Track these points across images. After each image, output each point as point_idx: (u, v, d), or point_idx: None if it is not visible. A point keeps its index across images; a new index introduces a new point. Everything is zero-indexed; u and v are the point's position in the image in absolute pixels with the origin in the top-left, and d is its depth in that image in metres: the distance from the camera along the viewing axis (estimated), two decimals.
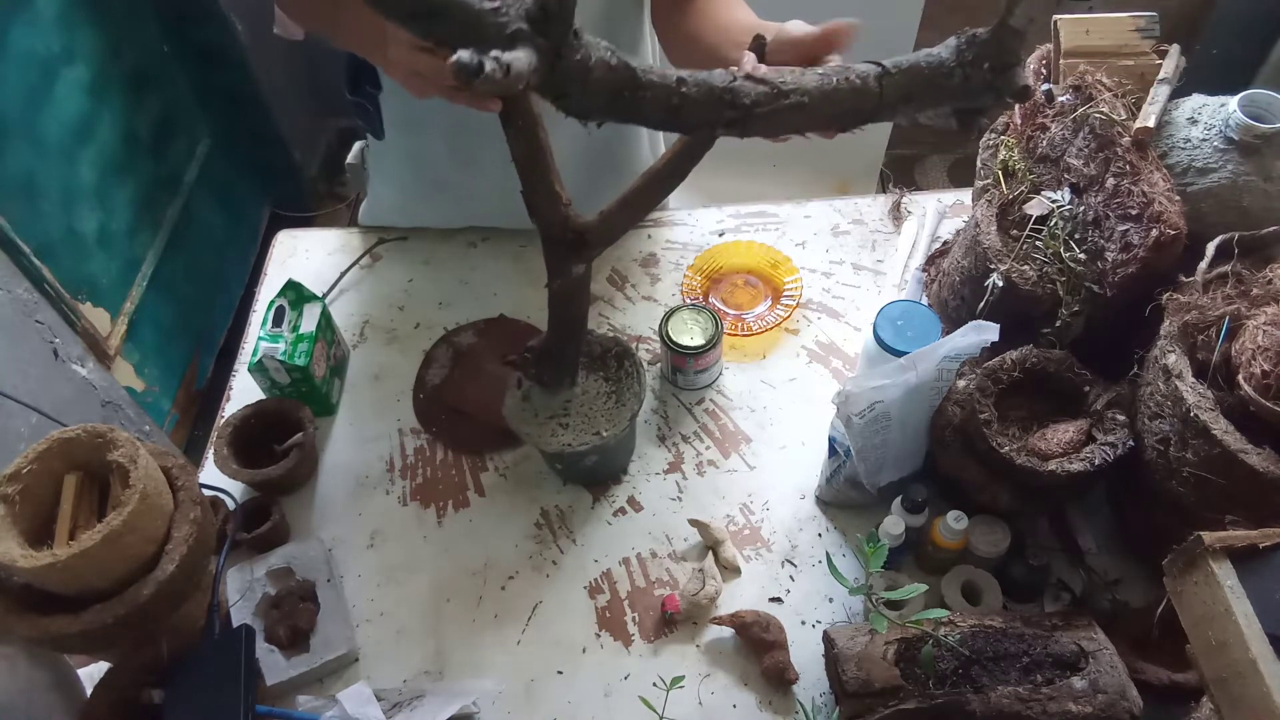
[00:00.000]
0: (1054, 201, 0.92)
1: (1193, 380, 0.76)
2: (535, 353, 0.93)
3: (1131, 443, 0.82)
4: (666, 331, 1.05)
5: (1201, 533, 0.59)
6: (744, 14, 0.96)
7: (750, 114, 0.57)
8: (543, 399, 0.95)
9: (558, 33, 0.51)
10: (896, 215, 1.28)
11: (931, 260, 1.18)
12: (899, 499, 0.91)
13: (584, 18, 1.03)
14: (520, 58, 0.48)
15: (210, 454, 1.03)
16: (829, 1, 1.81)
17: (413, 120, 1.12)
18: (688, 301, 1.15)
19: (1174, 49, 0.92)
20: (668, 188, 0.82)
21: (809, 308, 1.18)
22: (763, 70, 0.61)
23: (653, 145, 1.25)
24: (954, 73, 0.61)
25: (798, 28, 0.79)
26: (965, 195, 1.27)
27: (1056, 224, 0.91)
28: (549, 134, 0.80)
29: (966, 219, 1.09)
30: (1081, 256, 0.88)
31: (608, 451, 0.97)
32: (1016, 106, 0.99)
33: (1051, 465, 0.81)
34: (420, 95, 0.79)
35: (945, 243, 1.19)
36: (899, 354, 0.93)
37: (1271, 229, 0.81)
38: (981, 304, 0.92)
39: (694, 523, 0.98)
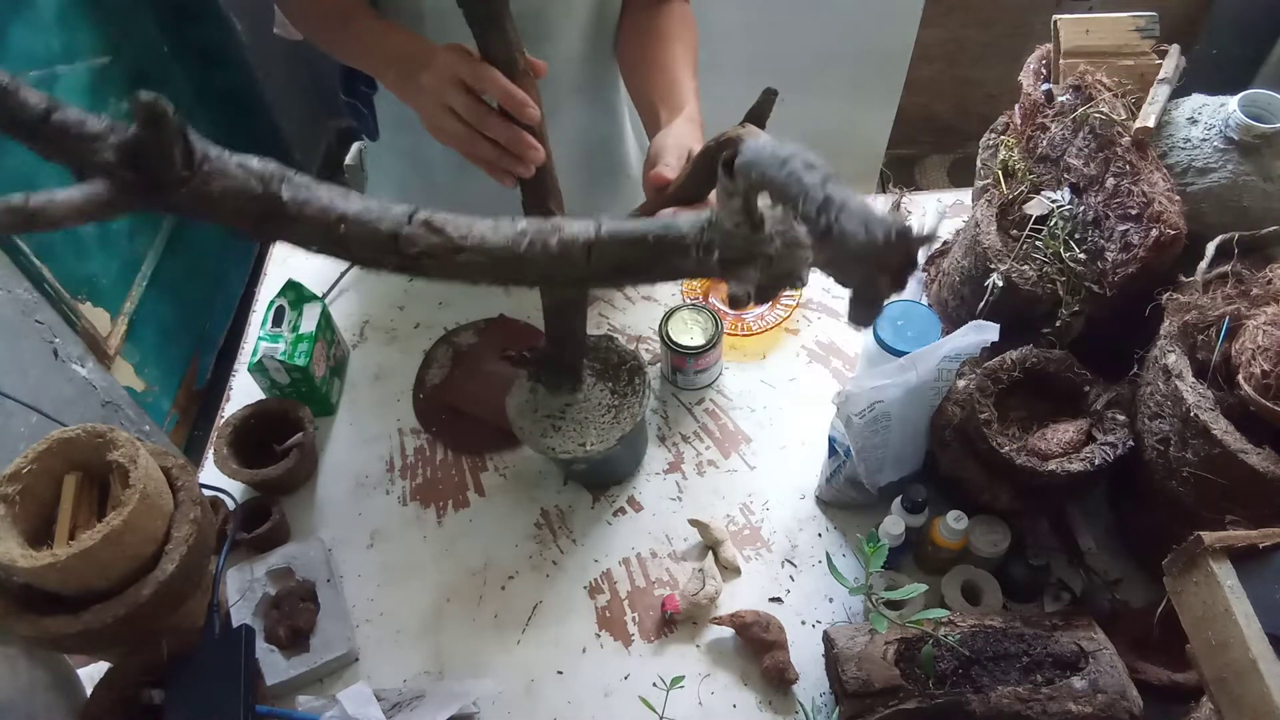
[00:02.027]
0: (1054, 201, 0.92)
1: (1193, 380, 0.76)
2: (535, 354, 0.93)
3: (1131, 443, 0.82)
4: (666, 331, 1.05)
5: (1201, 533, 0.59)
6: (675, 63, 0.95)
7: (418, 262, 0.53)
8: (546, 397, 0.95)
9: (158, 164, 0.47)
10: (897, 215, 1.27)
11: (931, 260, 1.18)
12: (899, 499, 0.91)
13: (574, 21, 1.04)
14: (72, 195, 0.45)
15: (210, 454, 1.03)
16: (830, 3, 1.82)
17: (408, 120, 1.11)
18: (688, 301, 1.15)
19: (1174, 49, 0.92)
20: None
21: (809, 307, 1.18)
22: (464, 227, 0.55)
23: (642, 147, 1.25)
24: (688, 251, 0.53)
25: (666, 148, 0.81)
26: (965, 195, 1.27)
27: (1056, 224, 0.91)
28: (547, 136, 0.80)
29: (966, 219, 1.09)
30: (1081, 256, 0.88)
31: (595, 463, 0.96)
32: (1017, 106, 0.99)
33: (1051, 465, 0.81)
34: (438, 134, 0.78)
35: (945, 243, 1.19)
36: (899, 354, 0.93)
37: (1271, 229, 0.81)
38: (981, 304, 0.92)
39: (694, 523, 0.98)
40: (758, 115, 0.74)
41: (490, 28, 0.68)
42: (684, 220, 0.53)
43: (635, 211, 0.81)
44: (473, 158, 0.77)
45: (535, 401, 0.95)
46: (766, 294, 0.56)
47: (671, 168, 0.79)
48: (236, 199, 0.49)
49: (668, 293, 1.20)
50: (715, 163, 0.74)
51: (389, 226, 0.52)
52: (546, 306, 0.86)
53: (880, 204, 1.30)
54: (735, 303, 0.51)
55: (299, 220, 0.51)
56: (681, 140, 0.82)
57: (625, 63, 1.02)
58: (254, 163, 0.50)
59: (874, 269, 0.43)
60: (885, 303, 0.47)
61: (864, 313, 0.47)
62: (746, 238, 0.51)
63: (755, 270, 0.51)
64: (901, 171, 2.47)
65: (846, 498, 0.98)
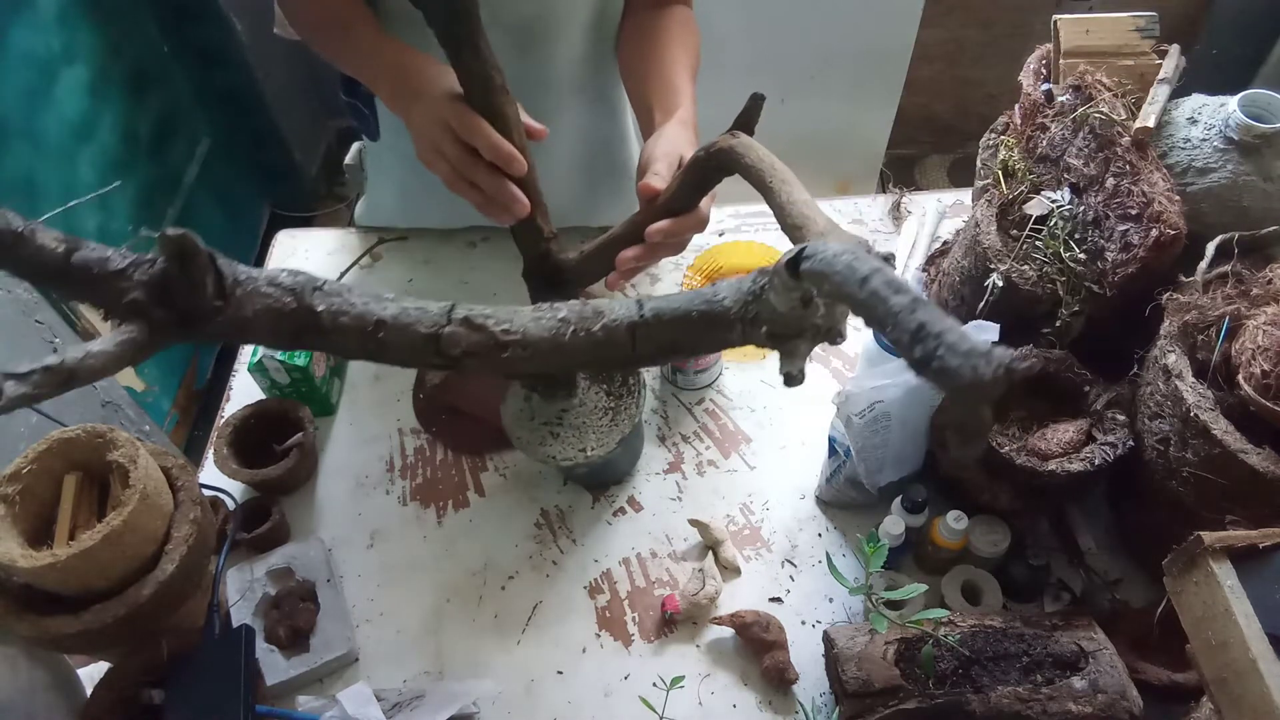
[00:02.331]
0: (1054, 201, 0.92)
1: (1193, 380, 0.76)
2: None
3: (1131, 443, 0.82)
4: None
5: (1201, 533, 0.59)
6: (673, 65, 0.95)
7: (460, 362, 0.52)
8: (541, 404, 0.94)
9: (189, 299, 0.46)
10: (896, 215, 1.28)
11: (931, 260, 1.18)
12: (899, 499, 0.91)
13: (576, 21, 1.03)
14: (107, 347, 0.44)
15: (210, 454, 1.03)
16: (830, 3, 1.82)
17: None
18: None
19: (1174, 49, 0.92)
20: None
21: None
22: (484, 316, 0.53)
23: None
24: (733, 325, 0.51)
25: (655, 156, 0.81)
26: (965, 195, 1.27)
27: (1056, 224, 0.91)
28: (548, 138, 0.80)
29: (966, 219, 1.09)
30: (1081, 256, 0.88)
31: (596, 464, 0.96)
32: (1017, 106, 0.99)
33: (1051, 465, 0.82)
34: (428, 167, 0.79)
35: (945, 243, 1.19)
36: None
37: (1271, 229, 0.81)
38: (981, 304, 0.92)
39: (694, 523, 0.98)
40: (746, 121, 0.74)
41: (464, 47, 0.68)
42: (726, 291, 0.52)
43: (628, 221, 0.81)
44: (461, 196, 0.78)
45: (531, 409, 0.94)
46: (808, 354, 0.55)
47: (661, 176, 0.79)
48: (272, 319, 0.48)
49: (668, 293, 1.20)
50: (706, 172, 0.74)
51: (428, 328, 0.50)
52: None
53: (882, 204, 1.30)
54: (790, 380, 0.50)
55: (335, 331, 0.50)
56: (672, 146, 0.82)
57: (623, 65, 1.03)
58: (284, 278, 0.49)
59: (979, 401, 0.40)
60: (987, 431, 0.43)
61: (970, 447, 0.43)
62: (799, 316, 0.49)
63: (806, 343, 0.50)
64: (901, 171, 2.47)
65: (846, 498, 0.98)
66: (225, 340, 0.49)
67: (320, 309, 0.49)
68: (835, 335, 0.51)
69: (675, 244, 0.82)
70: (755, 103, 0.73)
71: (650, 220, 0.78)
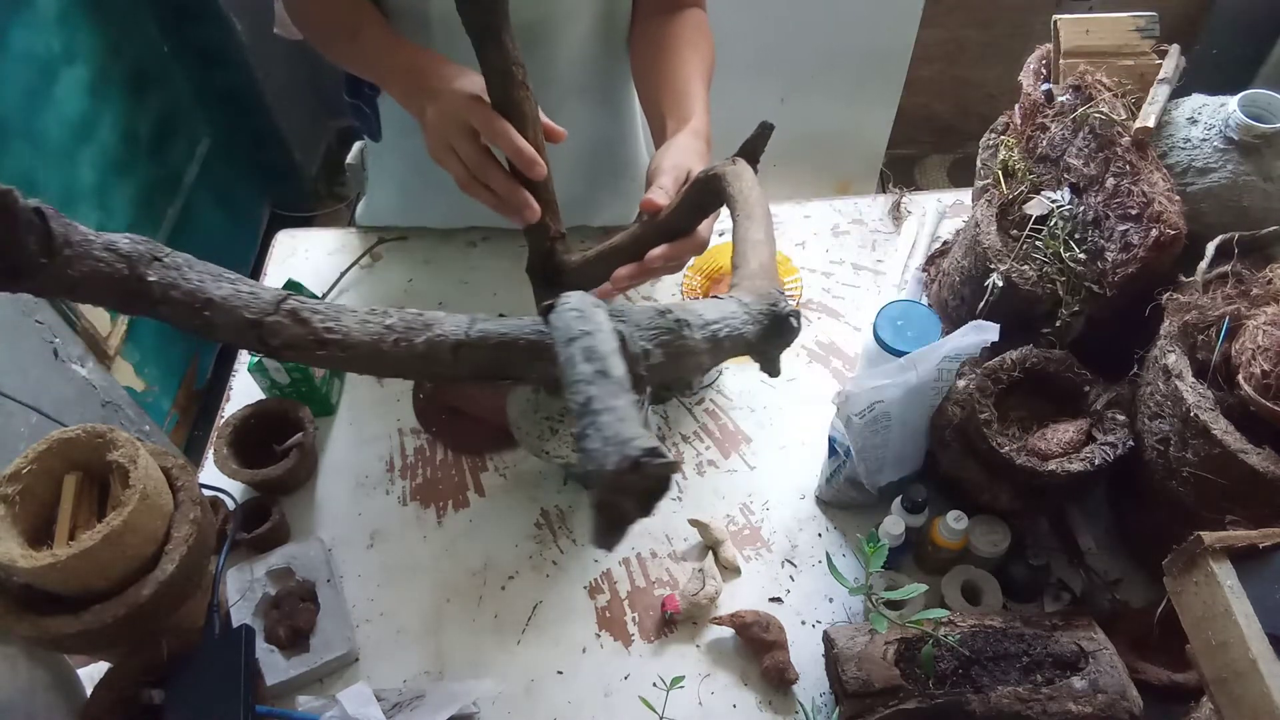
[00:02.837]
0: (1054, 201, 0.92)
1: (1193, 380, 0.76)
2: None
3: (1131, 443, 0.82)
4: None
5: (1201, 533, 0.59)
6: (687, 72, 0.94)
7: (280, 353, 0.53)
8: (547, 400, 0.94)
9: (12, 252, 0.47)
10: (896, 215, 1.28)
11: (931, 260, 1.18)
12: (899, 499, 0.91)
13: (579, 22, 1.03)
14: None
15: (210, 454, 1.03)
16: (830, 3, 1.82)
17: (412, 123, 1.12)
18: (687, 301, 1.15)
19: (1174, 49, 0.92)
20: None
21: (809, 308, 1.18)
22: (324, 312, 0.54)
23: (650, 148, 1.25)
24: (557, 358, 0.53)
25: (662, 169, 0.80)
26: (965, 195, 1.27)
27: (1056, 224, 0.91)
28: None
29: (966, 219, 1.09)
30: (1081, 256, 0.88)
31: None
32: (1017, 106, 0.99)
33: (1051, 465, 0.82)
34: (440, 165, 0.79)
35: (945, 243, 1.19)
36: (899, 354, 0.93)
37: (1271, 229, 0.81)
38: (981, 304, 0.92)
39: (694, 523, 0.98)
40: (751, 150, 0.74)
41: (488, 39, 0.68)
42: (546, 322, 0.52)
43: (629, 232, 0.81)
44: (473, 197, 0.78)
45: (536, 402, 0.94)
46: (659, 396, 0.57)
47: (665, 191, 0.78)
48: (100, 283, 0.49)
49: (667, 292, 1.20)
50: (704, 196, 0.74)
51: (253, 315, 0.51)
52: (539, 301, 0.86)
53: (882, 204, 1.30)
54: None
55: (164, 303, 0.51)
56: (682, 158, 0.82)
57: (636, 72, 1.02)
58: (123, 244, 0.50)
59: (613, 490, 0.40)
60: (628, 526, 0.43)
61: (603, 536, 0.43)
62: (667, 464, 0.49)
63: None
64: (901, 171, 2.47)
65: (846, 498, 0.98)
66: (54, 296, 0.50)
67: (152, 279, 0.50)
68: (684, 386, 0.53)
69: (673, 266, 0.82)
70: (762, 131, 0.73)
71: (652, 233, 0.78)
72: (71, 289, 0.49)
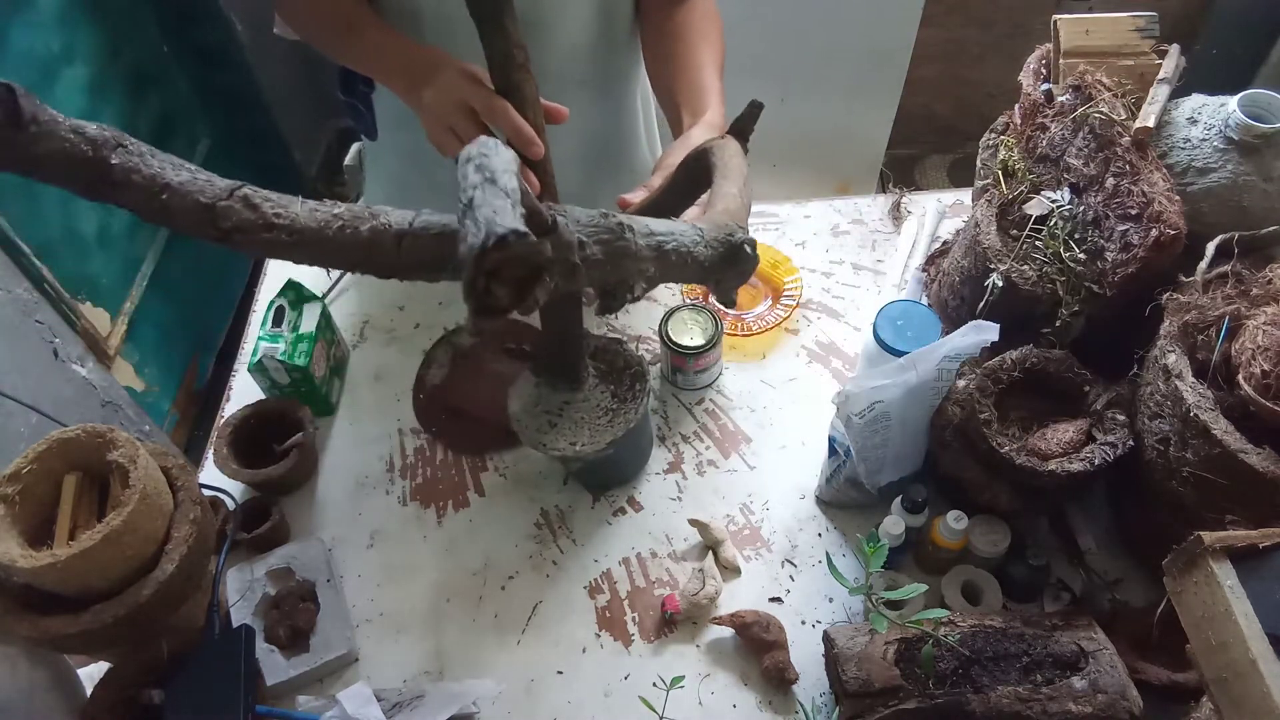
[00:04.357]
0: (1054, 201, 0.92)
1: (1193, 380, 0.76)
2: (536, 348, 0.94)
3: (1131, 443, 0.82)
4: (666, 331, 1.05)
5: (1201, 533, 0.59)
6: (700, 63, 0.95)
7: (230, 237, 0.54)
8: (549, 394, 0.95)
9: None
10: (896, 215, 1.28)
11: (931, 260, 1.18)
12: (899, 499, 0.91)
13: (574, 14, 1.03)
14: None
15: (210, 454, 1.03)
16: (830, 3, 1.82)
17: (407, 119, 1.11)
18: (687, 301, 1.15)
19: (1174, 49, 0.92)
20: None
21: (809, 308, 1.18)
22: (310, 208, 0.56)
23: (650, 146, 1.25)
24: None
25: (663, 166, 0.82)
26: (965, 195, 1.27)
27: (1056, 224, 0.91)
28: (552, 129, 0.80)
29: (966, 219, 1.09)
30: (1081, 256, 0.88)
31: (596, 464, 0.96)
32: (1017, 106, 0.99)
33: (1051, 465, 0.81)
34: (439, 149, 0.79)
35: (945, 243, 1.19)
36: (899, 354, 0.93)
37: (1271, 229, 0.81)
38: (981, 304, 0.92)
39: (694, 523, 0.98)
40: (741, 128, 0.76)
41: (491, 24, 0.69)
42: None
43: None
44: None
45: (538, 397, 0.95)
46: (610, 304, 0.59)
47: (649, 189, 0.80)
48: (64, 162, 0.50)
49: (668, 293, 1.20)
50: (695, 174, 0.75)
51: (208, 199, 0.53)
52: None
53: (882, 204, 1.30)
54: (478, 312, 0.52)
55: (125, 186, 0.52)
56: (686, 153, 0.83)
57: (650, 65, 1.03)
58: (91, 130, 0.51)
59: (483, 270, 0.43)
60: (503, 313, 0.45)
61: (475, 319, 0.45)
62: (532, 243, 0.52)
63: (550, 278, 0.52)
64: (901, 171, 2.47)
65: (846, 498, 0.98)
66: (17, 171, 0.51)
67: (114, 163, 0.52)
68: (626, 289, 0.58)
69: None
70: (752, 109, 0.75)
71: (649, 213, 0.79)
72: (36, 165, 0.50)
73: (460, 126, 0.76)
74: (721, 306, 1.15)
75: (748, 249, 0.67)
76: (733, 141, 0.75)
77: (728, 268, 0.67)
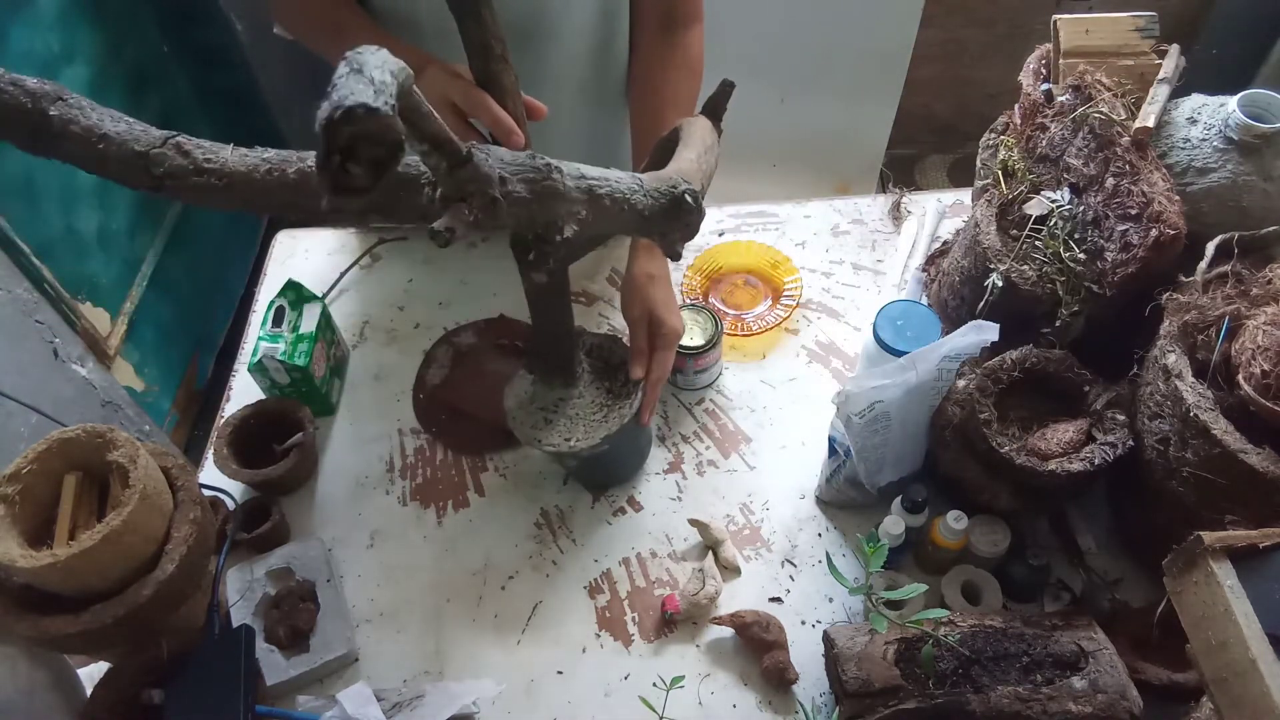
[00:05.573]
0: (1054, 201, 0.92)
1: (1193, 380, 0.76)
2: (529, 344, 0.94)
3: (1131, 443, 0.82)
4: None
5: (1201, 533, 0.59)
6: (674, 107, 0.99)
7: (163, 183, 0.56)
8: (544, 390, 0.95)
9: None
10: (896, 215, 1.28)
11: (931, 260, 1.18)
12: (899, 499, 0.91)
13: (573, 19, 1.03)
14: None
15: (210, 454, 1.03)
16: (830, 3, 1.82)
17: None
18: (687, 301, 1.15)
19: (1174, 49, 0.92)
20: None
21: (809, 308, 1.18)
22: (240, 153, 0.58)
23: None
24: (421, 189, 0.58)
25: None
26: (965, 195, 1.27)
27: (1056, 224, 0.91)
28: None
29: (966, 219, 1.09)
30: (1081, 256, 0.88)
31: (595, 463, 0.96)
32: (1017, 106, 0.99)
33: (1051, 465, 0.81)
34: None
35: (945, 243, 1.19)
36: (899, 354, 0.93)
37: (1271, 229, 0.81)
38: (981, 304, 0.92)
39: (694, 523, 0.98)
40: (713, 108, 0.77)
41: (469, 16, 0.70)
42: (417, 159, 0.56)
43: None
44: None
45: (533, 393, 0.95)
46: (542, 249, 0.60)
47: (643, 352, 0.92)
48: (3, 113, 0.52)
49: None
50: (668, 156, 0.77)
51: (142, 148, 0.54)
52: (528, 295, 0.86)
53: (882, 204, 1.30)
54: (434, 235, 0.54)
55: (65, 138, 0.53)
56: (642, 307, 0.95)
57: (631, 102, 1.06)
58: (31, 83, 0.53)
59: (335, 148, 0.43)
60: (360, 194, 0.45)
61: (330, 197, 0.45)
62: (447, 174, 0.54)
63: (469, 210, 0.54)
64: (901, 171, 2.47)
65: (846, 498, 0.98)
66: None
67: (54, 114, 0.53)
68: (552, 228, 0.60)
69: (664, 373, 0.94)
70: (723, 89, 0.77)
71: None
72: None
73: (443, 120, 0.77)
74: (718, 306, 1.15)
75: (689, 199, 0.67)
76: (702, 120, 0.77)
77: (670, 219, 0.68)
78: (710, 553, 0.96)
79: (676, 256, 0.74)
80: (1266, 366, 0.72)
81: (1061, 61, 0.93)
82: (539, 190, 0.59)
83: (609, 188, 0.64)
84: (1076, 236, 0.89)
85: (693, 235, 0.72)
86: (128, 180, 0.56)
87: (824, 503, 1.01)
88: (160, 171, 0.55)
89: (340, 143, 0.43)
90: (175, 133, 0.55)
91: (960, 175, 2.58)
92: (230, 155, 0.56)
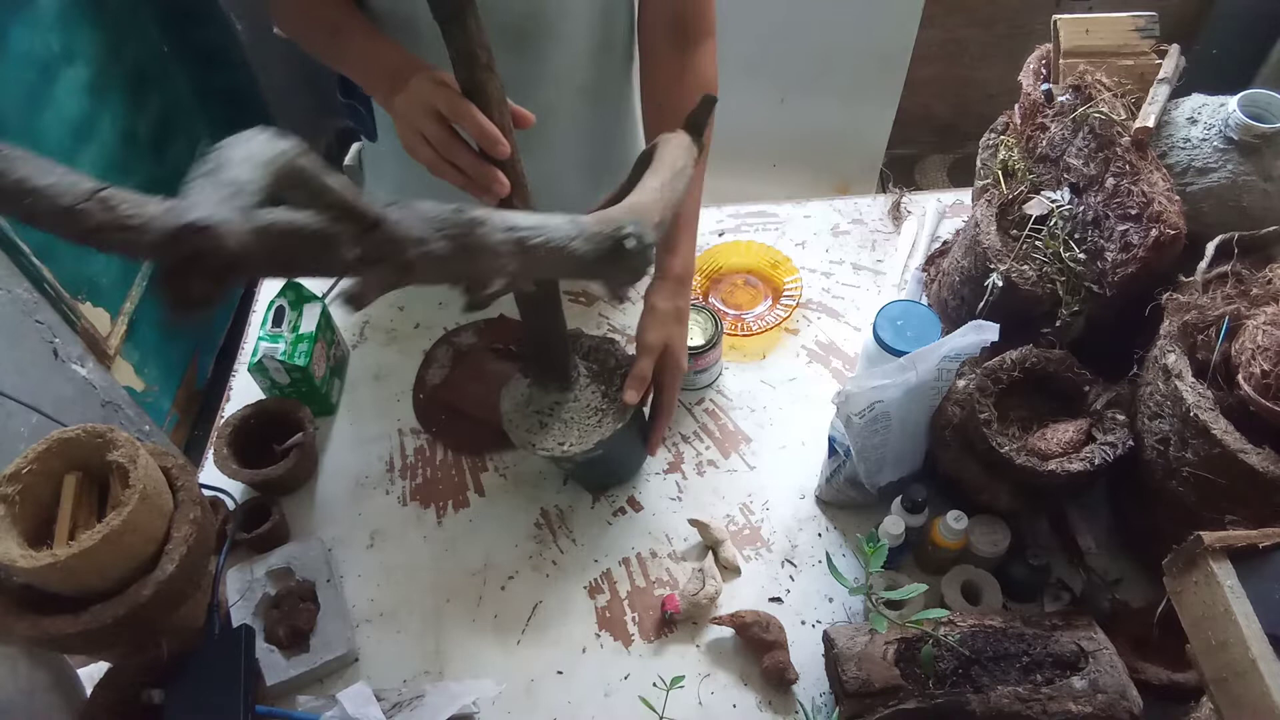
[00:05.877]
0: (1054, 201, 0.92)
1: (1193, 380, 0.76)
2: (523, 348, 0.93)
3: (1131, 443, 0.82)
4: None
5: (1201, 533, 0.59)
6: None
7: (90, 238, 0.53)
8: (539, 394, 0.95)
9: None
10: (896, 215, 1.28)
11: (931, 260, 1.18)
12: (899, 499, 0.91)
13: (573, 20, 1.03)
14: None
15: (210, 454, 1.03)
16: (830, 3, 1.82)
17: None
18: None
19: (1174, 49, 0.92)
20: None
21: (809, 308, 1.18)
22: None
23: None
24: (340, 250, 0.55)
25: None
26: (965, 195, 1.27)
27: (1056, 224, 0.91)
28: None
29: (966, 219, 1.09)
30: (1081, 256, 0.88)
31: (594, 464, 0.96)
32: (1017, 106, 0.99)
33: (1051, 465, 0.81)
34: (410, 154, 0.81)
35: (945, 243, 1.19)
36: (899, 354, 0.93)
37: (1271, 229, 0.81)
38: (981, 304, 0.92)
39: (694, 523, 0.98)
40: (694, 122, 0.76)
41: (454, 22, 0.69)
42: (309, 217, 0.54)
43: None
44: (442, 178, 0.79)
45: (529, 397, 0.95)
46: (472, 300, 0.59)
47: (643, 379, 0.91)
48: None
49: None
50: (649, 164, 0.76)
51: (68, 202, 0.53)
52: (518, 301, 0.86)
53: (882, 204, 1.30)
54: (346, 300, 0.53)
55: None
56: (660, 332, 0.93)
57: (645, 121, 1.05)
58: None
59: (175, 268, 0.43)
60: (207, 305, 0.44)
61: (171, 311, 0.44)
62: (355, 240, 0.52)
63: (389, 272, 0.53)
64: (901, 171, 2.47)
65: (846, 498, 0.98)
66: None
67: None
68: (480, 283, 0.59)
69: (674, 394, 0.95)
70: (704, 104, 0.76)
71: None
72: None
73: (429, 130, 0.77)
74: (718, 306, 1.15)
75: (629, 245, 0.63)
76: (681, 135, 0.75)
77: (609, 265, 0.64)
78: (710, 553, 0.96)
79: (620, 300, 0.71)
80: (1266, 366, 0.72)
81: (1061, 61, 0.93)
82: (462, 247, 0.57)
83: (542, 238, 0.61)
84: (1076, 236, 0.89)
85: (638, 279, 0.68)
86: (61, 233, 0.55)
87: (824, 503, 1.01)
88: (86, 228, 0.53)
89: (175, 263, 0.42)
90: (105, 185, 0.54)
91: (960, 175, 2.58)
92: (154, 209, 0.54)
